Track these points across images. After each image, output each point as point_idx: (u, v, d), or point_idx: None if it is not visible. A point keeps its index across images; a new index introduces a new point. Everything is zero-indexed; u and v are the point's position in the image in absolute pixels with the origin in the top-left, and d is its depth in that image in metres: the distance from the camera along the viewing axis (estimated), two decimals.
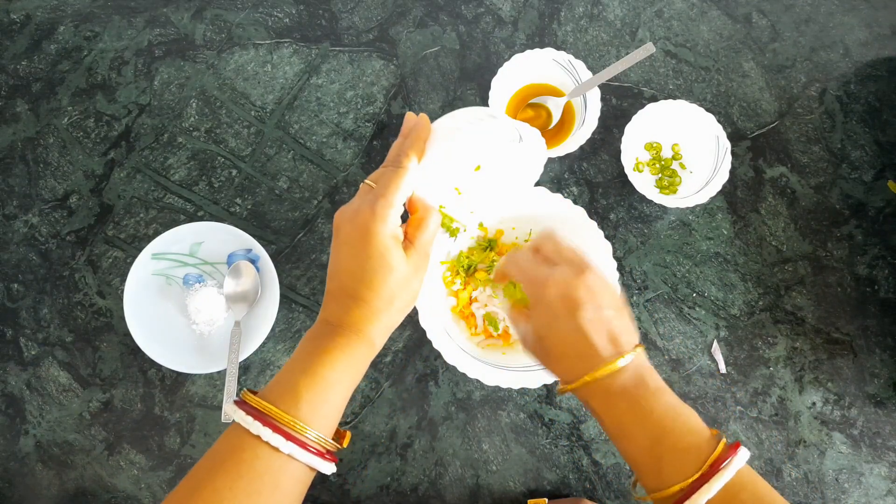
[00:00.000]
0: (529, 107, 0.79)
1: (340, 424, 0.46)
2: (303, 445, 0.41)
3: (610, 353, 0.44)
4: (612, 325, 0.45)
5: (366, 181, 0.48)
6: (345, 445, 0.45)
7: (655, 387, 0.44)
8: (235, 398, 0.44)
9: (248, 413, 0.41)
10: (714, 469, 0.40)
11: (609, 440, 0.73)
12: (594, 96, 0.75)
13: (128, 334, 0.71)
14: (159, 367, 0.74)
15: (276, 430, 0.40)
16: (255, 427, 0.40)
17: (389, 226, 0.45)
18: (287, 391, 0.43)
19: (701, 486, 0.40)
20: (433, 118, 0.51)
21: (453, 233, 0.61)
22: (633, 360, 0.45)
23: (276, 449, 0.40)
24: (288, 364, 0.45)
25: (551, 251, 0.49)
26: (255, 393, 0.43)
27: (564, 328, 0.45)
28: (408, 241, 0.48)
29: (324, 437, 0.42)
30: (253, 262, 0.74)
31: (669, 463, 0.42)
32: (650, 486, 0.43)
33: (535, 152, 0.55)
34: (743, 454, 0.41)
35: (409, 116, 0.51)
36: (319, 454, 0.42)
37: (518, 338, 0.51)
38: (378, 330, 0.46)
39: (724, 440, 0.43)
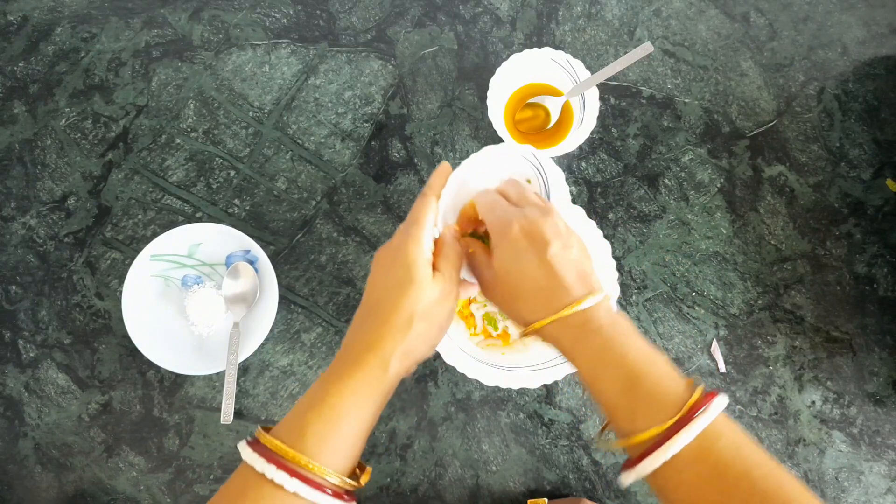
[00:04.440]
0: (528, 106, 0.79)
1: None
2: (309, 482, 0.38)
3: (580, 292, 0.43)
4: (581, 265, 0.45)
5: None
6: (363, 483, 0.42)
7: (629, 330, 0.43)
8: (248, 438, 0.41)
9: (254, 450, 0.40)
10: (691, 415, 0.38)
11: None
12: (592, 96, 0.75)
13: (126, 336, 0.71)
14: (158, 369, 0.74)
15: (281, 466, 0.38)
16: (260, 464, 0.39)
17: (419, 243, 0.45)
18: (294, 425, 0.40)
19: (677, 431, 0.38)
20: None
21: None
22: (605, 302, 0.44)
23: (281, 487, 0.38)
24: (302, 397, 0.43)
25: (516, 195, 0.49)
26: (268, 430, 0.42)
27: (531, 264, 0.44)
28: (435, 269, 0.46)
29: (332, 472, 0.39)
30: (251, 263, 0.74)
31: (645, 407, 0.40)
32: (623, 431, 0.41)
33: (554, 179, 0.55)
34: (721, 401, 0.39)
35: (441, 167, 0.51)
36: (335, 493, 0.39)
37: (480, 286, 0.50)
38: (394, 351, 0.43)
39: (701, 386, 0.41)
